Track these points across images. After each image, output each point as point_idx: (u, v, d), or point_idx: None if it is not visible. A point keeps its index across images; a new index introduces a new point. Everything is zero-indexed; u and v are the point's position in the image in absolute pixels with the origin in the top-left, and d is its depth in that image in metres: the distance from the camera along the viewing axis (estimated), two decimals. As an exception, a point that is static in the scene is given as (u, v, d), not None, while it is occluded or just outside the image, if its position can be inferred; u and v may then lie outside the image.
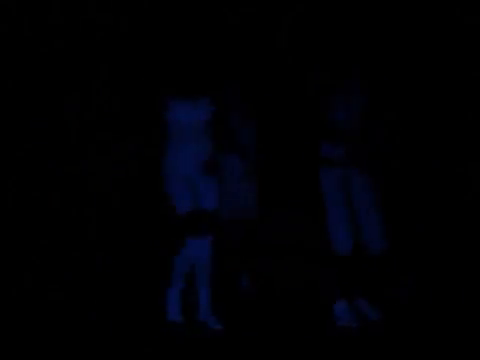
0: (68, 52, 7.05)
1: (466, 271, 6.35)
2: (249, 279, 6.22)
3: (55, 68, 7.04)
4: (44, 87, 7.04)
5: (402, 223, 6.70)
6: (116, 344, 4.91)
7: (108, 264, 6.75)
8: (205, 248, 5.40)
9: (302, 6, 7.06)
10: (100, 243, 6.93)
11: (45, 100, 7.04)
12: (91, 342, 4.91)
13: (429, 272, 6.33)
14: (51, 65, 7.04)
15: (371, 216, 5.40)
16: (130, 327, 5.28)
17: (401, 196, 6.78)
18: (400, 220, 6.72)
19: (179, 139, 5.44)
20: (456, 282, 6.19)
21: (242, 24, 7.11)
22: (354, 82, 5.43)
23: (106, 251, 6.88)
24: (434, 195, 6.79)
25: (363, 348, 4.84)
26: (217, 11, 7.09)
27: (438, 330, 5.17)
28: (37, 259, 6.73)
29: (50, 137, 7.03)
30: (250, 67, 6.96)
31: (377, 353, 4.77)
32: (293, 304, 5.81)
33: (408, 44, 6.85)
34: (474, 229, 6.63)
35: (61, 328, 5.17)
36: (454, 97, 6.79)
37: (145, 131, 5.61)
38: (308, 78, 5.63)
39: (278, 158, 6.91)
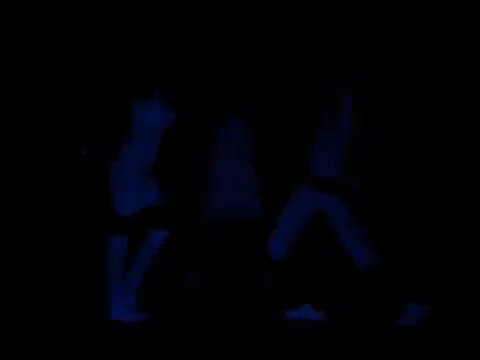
0: (68, 52, 7.05)
1: (467, 272, 6.35)
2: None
3: (55, 68, 7.04)
4: (44, 87, 7.04)
5: (401, 225, 6.70)
6: (116, 344, 4.91)
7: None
8: (156, 243, 5.44)
9: (302, 6, 7.06)
10: (100, 243, 6.92)
11: (45, 100, 7.04)
12: (91, 342, 4.91)
13: (429, 277, 6.32)
14: (51, 65, 7.04)
15: (353, 231, 5.36)
16: (130, 326, 5.29)
17: (400, 197, 6.78)
18: (399, 221, 6.72)
19: (141, 137, 5.49)
20: (456, 283, 6.18)
21: (242, 24, 7.11)
22: (353, 82, 5.42)
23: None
24: (434, 195, 6.79)
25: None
26: (217, 11, 7.10)
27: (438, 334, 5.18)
28: (37, 259, 6.73)
29: (50, 137, 7.04)
30: (250, 67, 6.96)
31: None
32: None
33: (408, 44, 6.86)
34: (474, 229, 6.64)
35: (61, 328, 5.17)
36: (454, 97, 6.79)
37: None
38: (307, 78, 5.63)
39: (276, 158, 6.91)
